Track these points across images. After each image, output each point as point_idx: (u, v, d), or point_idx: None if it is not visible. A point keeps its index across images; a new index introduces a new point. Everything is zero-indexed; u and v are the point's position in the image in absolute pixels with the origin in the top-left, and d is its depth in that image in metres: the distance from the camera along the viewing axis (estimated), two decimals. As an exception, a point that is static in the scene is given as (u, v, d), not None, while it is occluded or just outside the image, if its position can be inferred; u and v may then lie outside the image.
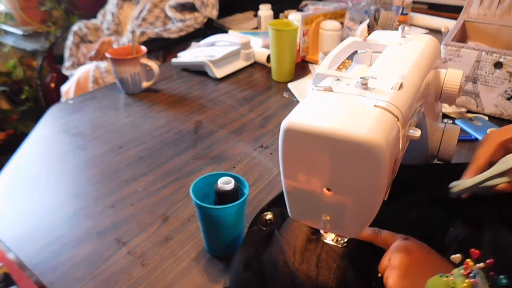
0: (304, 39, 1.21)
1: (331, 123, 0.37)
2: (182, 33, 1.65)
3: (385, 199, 0.41)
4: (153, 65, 1.02)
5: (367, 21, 1.28)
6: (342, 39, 1.18)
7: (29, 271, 0.55)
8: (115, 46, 1.64)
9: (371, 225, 0.42)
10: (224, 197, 0.54)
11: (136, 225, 0.63)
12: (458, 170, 0.59)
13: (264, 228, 0.55)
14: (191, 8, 1.67)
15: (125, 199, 0.68)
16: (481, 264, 0.36)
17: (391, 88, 0.42)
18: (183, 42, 1.63)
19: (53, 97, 1.93)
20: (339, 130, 0.36)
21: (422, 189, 0.57)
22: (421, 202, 0.55)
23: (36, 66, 2.04)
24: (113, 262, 0.56)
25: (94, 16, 1.89)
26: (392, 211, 0.51)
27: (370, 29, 1.32)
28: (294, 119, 0.39)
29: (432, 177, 0.60)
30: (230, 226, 0.54)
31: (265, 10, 1.45)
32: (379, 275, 0.47)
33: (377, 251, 0.51)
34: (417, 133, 0.42)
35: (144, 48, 1.04)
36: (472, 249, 0.37)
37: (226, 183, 0.54)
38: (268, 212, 0.57)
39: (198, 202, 0.52)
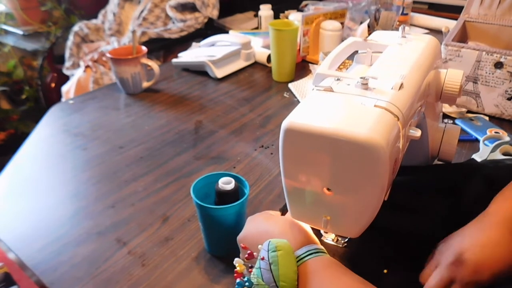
0: (305, 39, 1.21)
1: (332, 123, 0.37)
2: (183, 33, 1.65)
3: (385, 199, 0.41)
4: (154, 65, 1.02)
5: (368, 21, 1.28)
6: (342, 39, 1.18)
7: (30, 271, 0.55)
8: (116, 45, 1.64)
9: (371, 226, 0.42)
10: (224, 197, 0.54)
11: (137, 225, 0.63)
12: (459, 171, 0.59)
13: None
14: (192, 8, 1.67)
15: (125, 199, 0.68)
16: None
17: (392, 88, 0.42)
18: (184, 42, 1.63)
19: (54, 97, 1.93)
20: (339, 130, 0.36)
21: (422, 190, 0.57)
22: (422, 204, 0.55)
23: (37, 66, 2.04)
24: (114, 262, 0.56)
25: (95, 16, 1.89)
26: (392, 212, 0.51)
27: (371, 29, 1.32)
28: (294, 119, 0.39)
29: (433, 177, 0.60)
30: (230, 226, 0.54)
31: (265, 10, 1.45)
32: (385, 271, 0.48)
33: (377, 252, 0.51)
34: (417, 133, 0.42)
35: (144, 48, 1.04)
36: None
37: (226, 183, 0.54)
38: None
39: (198, 202, 0.52)
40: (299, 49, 1.21)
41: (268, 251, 0.40)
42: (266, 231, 0.45)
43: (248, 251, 0.43)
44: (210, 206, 0.52)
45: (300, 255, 0.42)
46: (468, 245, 0.43)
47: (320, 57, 1.07)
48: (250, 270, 0.43)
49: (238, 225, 0.56)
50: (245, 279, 0.42)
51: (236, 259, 0.44)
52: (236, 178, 0.55)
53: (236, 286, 0.42)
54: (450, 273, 0.42)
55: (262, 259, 0.40)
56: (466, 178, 0.55)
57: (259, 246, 0.42)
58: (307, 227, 0.46)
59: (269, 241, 0.41)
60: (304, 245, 0.43)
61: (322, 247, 0.43)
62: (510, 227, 0.43)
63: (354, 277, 0.40)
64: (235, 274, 0.43)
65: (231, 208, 0.52)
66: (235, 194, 0.54)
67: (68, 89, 1.64)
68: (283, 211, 0.58)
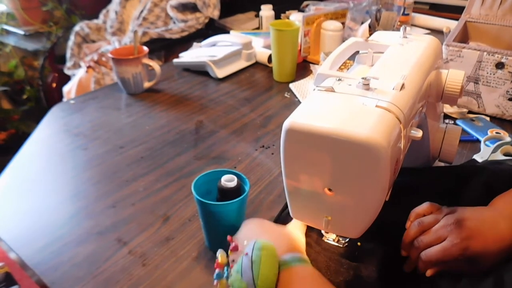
0: (306, 39, 1.21)
1: (333, 123, 0.37)
2: (184, 34, 1.65)
3: (387, 199, 0.41)
4: (155, 65, 1.02)
5: (369, 21, 1.28)
6: (343, 39, 1.18)
7: (31, 270, 0.55)
8: (117, 45, 1.64)
9: (372, 226, 0.42)
10: (227, 194, 0.54)
11: (137, 225, 0.63)
12: (457, 173, 0.59)
13: None
14: (193, 8, 1.67)
15: (125, 199, 0.68)
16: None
17: (393, 89, 0.42)
18: (185, 42, 1.63)
19: (55, 97, 1.93)
20: (340, 130, 0.36)
21: (421, 192, 0.57)
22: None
23: (38, 66, 2.04)
24: (114, 262, 0.56)
25: (96, 16, 1.89)
26: (393, 213, 0.51)
27: (372, 29, 1.32)
28: (295, 119, 0.39)
29: (432, 179, 0.59)
30: (230, 223, 0.54)
31: (266, 11, 1.45)
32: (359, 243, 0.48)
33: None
34: (418, 133, 0.42)
35: (145, 48, 1.04)
36: None
37: (229, 181, 0.54)
38: None
39: (199, 198, 0.52)
40: (300, 50, 1.21)
41: (253, 249, 0.41)
42: (256, 235, 0.46)
43: (233, 243, 0.44)
44: (210, 203, 0.52)
45: (285, 260, 0.42)
46: (471, 215, 0.45)
47: (321, 58, 1.07)
48: (231, 265, 0.43)
49: (238, 222, 0.56)
50: (225, 270, 0.43)
51: (220, 250, 0.45)
52: (235, 175, 0.56)
53: (215, 276, 0.43)
54: (446, 232, 0.44)
55: (246, 254, 0.41)
56: (464, 181, 0.55)
57: (245, 242, 0.43)
58: (300, 238, 0.47)
59: (256, 240, 0.42)
60: (289, 252, 0.43)
61: (306, 257, 0.44)
62: None
63: None
64: (216, 265, 0.44)
65: (231, 205, 0.52)
66: (237, 192, 0.54)
67: (69, 89, 1.64)
68: (278, 217, 0.59)
